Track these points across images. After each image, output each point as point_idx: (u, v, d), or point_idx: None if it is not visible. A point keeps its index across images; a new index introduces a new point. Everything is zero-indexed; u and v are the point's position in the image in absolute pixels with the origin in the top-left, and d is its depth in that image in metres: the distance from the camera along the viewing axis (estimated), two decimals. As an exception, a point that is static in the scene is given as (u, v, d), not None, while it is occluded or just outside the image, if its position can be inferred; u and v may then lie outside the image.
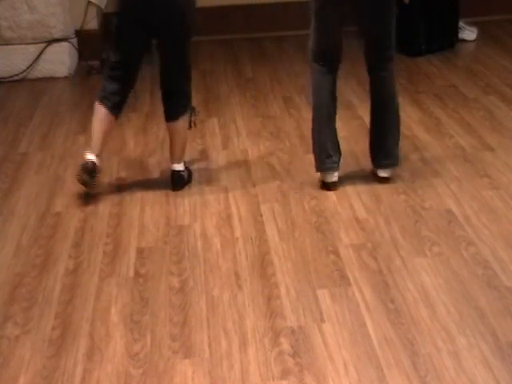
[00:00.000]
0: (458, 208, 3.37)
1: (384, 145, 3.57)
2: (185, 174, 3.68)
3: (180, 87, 3.58)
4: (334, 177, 3.56)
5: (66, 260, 3.14)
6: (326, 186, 3.57)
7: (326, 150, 3.52)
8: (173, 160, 3.66)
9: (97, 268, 3.07)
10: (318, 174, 3.62)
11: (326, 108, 3.52)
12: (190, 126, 3.68)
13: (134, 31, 3.43)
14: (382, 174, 3.60)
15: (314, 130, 3.57)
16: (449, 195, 3.49)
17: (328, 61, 3.47)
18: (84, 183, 3.55)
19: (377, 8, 3.35)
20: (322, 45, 3.46)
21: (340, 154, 3.58)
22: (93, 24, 5.47)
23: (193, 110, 3.70)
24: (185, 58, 3.54)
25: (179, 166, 3.66)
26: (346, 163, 3.79)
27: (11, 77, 5.19)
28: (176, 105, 3.59)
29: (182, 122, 3.60)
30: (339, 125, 4.26)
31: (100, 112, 3.55)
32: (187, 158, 3.79)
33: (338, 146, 3.58)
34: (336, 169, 3.55)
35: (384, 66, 3.46)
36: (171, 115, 3.59)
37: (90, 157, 3.53)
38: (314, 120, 3.56)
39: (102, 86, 3.59)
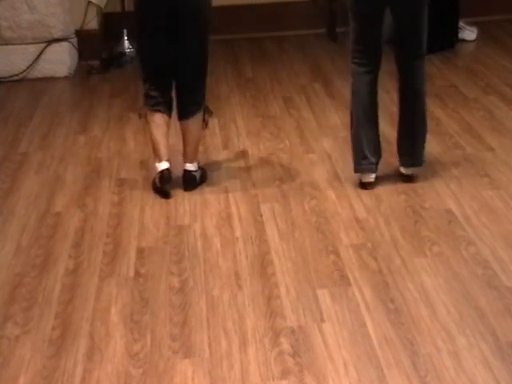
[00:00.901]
0: (458, 208, 3.37)
1: (411, 144, 3.56)
2: (197, 175, 3.65)
3: (195, 83, 3.54)
4: (370, 178, 3.56)
5: (66, 260, 3.14)
6: (363, 185, 3.57)
7: (361, 151, 3.52)
8: (185, 159, 3.62)
9: (97, 268, 3.07)
10: (320, 174, 3.62)
11: (364, 110, 3.51)
12: (205, 126, 3.67)
13: (157, 31, 3.40)
14: (404, 171, 3.60)
15: (351, 131, 3.57)
16: (449, 195, 3.49)
17: (367, 60, 3.45)
18: (163, 192, 3.54)
19: (413, 4, 3.35)
20: (361, 43, 3.45)
21: (379, 156, 3.57)
22: (93, 24, 5.47)
23: (207, 109, 3.66)
24: (202, 52, 3.52)
25: (191, 166, 3.63)
26: (346, 163, 3.79)
27: (11, 77, 5.19)
28: (191, 102, 3.55)
29: (195, 121, 3.57)
30: (339, 125, 4.29)
31: (155, 119, 3.52)
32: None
33: (378, 147, 3.56)
34: (372, 170, 3.54)
35: (416, 63, 3.45)
36: (185, 113, 3.56)
37: (164, 165, 3.50)
38: (351, 121, 3.56)
39: (145, 95, 3.56)
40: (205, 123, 3.66)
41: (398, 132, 3.61)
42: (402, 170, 3.61)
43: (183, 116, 3.57)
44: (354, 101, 3.53)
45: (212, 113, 3.74)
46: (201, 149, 4.05)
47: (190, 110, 3.55)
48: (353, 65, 3.51)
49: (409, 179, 3.59)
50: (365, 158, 3.52)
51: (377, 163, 3.55)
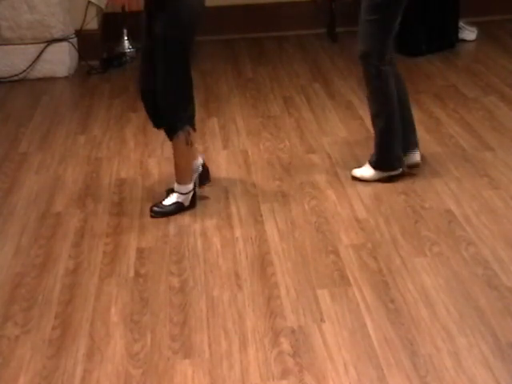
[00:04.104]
0: (458, 208, 3.38)
1: (413, 130, 3.66)
2: None
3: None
4: (399, 170, 3.61)
5: (66, 260, 3.14)
6: (391, 178, 3.61)
7: (401, 150, 3.58)
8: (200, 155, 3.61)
9: (97, 268, 3.07)
10: (320, 174, 3.62)
11: (401, 109, 3.54)
12: None
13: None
14: (418, 158, 3.66)
15: (393, 134, 3.54)
16: (449, 195, 3.49)
17: (390, 59, 3.46)
18: (195, 202, 3.47)
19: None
20: (389, 45, 3.44)
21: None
22: (93, 24, 5.47)
23: None
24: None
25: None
26: (346, 163, 3.79)
27: (11, 77, 5.19)
28: None
29: None
30: (339, 125, 4.29)
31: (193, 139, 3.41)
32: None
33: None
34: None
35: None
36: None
37: (193, 184, 3.45)
38: (393, 125, 3.52)
39: (186, 118, 3.35)
40: None
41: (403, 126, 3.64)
42: (415, 157, 3.66)
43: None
44: (394, 101, 3.50)
45: None
46: (200, 149, 4.06)
47: None
48: (384, 67, 3.43)
49: (418, 166, 3.67)
50: (402, 155, 3.61)
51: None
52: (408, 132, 3.63)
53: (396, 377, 2.43)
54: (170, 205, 3.43)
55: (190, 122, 3.38)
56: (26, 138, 4.34)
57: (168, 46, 3.14)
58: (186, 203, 3.43)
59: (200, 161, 3.54)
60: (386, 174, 3.59)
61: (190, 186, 3.42)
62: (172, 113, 3.28)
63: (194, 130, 3.43)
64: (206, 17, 3.24)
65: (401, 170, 3.60)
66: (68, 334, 2.70)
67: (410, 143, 3.65)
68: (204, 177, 3.57)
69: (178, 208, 3.43)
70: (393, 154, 3.58)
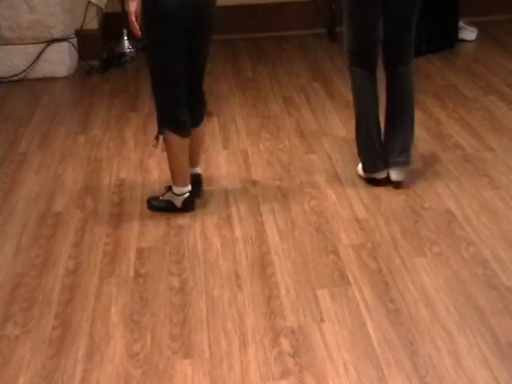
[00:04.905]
0: (458, 208, 3.38)
1: (400, 143, 3.52)
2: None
3: (203, 87, 3.42)
4: (384, 174, 3.54)
5: (66, 260, 3.14)
6: (376, 182, 3.55)
7: (375, 151, 3.51)
8: (197, 163, 3.55)
9: (97, 268, 3.07)
10: (320, 174, 3.62)
11: (372, 112, 3.50)
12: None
13: (181, 41, 3.16)
14: (395, 177, 3.53)
15: (360, 134, 3.54)
16: (449, 195, 3.49)
17: (367, 60, 3.44)
18: (192, 207, 3.45)
19: (404, 5, 3.35)
20: (358, 44, 3.43)
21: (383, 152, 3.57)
22: (93, 24, 5.47)
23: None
24: (208, 56, 3.41)
25: (200, 169, 3.59)
26: (346, 163, 3.79)
27: (11, 77, 5.19)
28: (202, 106, 3.45)
29: (205, 122, 3.50)
30: (339, 125, 4.29)
31: (183, 144, 3.33)
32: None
33: (382, 144, 3.56)
34: (385, 167, 3.54)
35: (404, 66, 3.45)
36: (200, 118, 3.43)
37: (189, 188, 3.41)
38: (359, 125, 3.53)
39: (171, 121, 3.27)
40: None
41: (385, 137, 3.56)
42: (392, 174, 3.54)
43: (199, 122, 3.42)
44: (360, 102, 3.51)
45: (211, 112, 3.66)
46: (201, 149, 4.06)
47: (203, 113, 3.46)
48: (354, 67, 3.48)
49: (398, 186, 3.55)
50: (379, 157, 3.51)
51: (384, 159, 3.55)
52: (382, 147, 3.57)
53: (396, 377, 2.43)
54: (162, 200, 3.48)
55: (175, 126, 3.27)
56: (25, 137, 4.34)
57: (147, 47, 3.24)
58: (178, 204, 3.43)
59: (194, 170, 3.51)
60: (366, 175, 3.59)
61: (183, 189, 3.41)
62: (157, 113, 3.32)
63: (184, 135, 3.30)
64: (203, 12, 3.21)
65: (375, 174, 3.54)
66: (68, 334, 2.70)
67: (384, 159, 3.56)
68: (193, 187, 3.48)
69: (170, 207, 3.44)
70: (362, 155, 3.57)
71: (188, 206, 3.44)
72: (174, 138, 3.29)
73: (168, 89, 3.24)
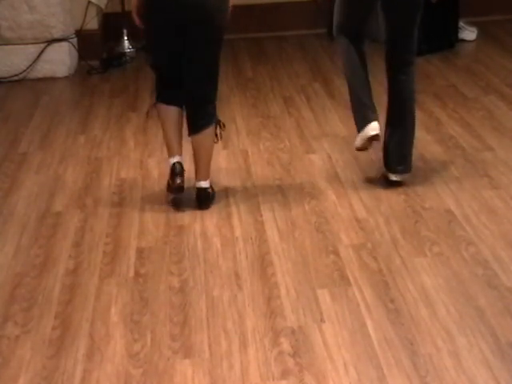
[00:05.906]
0: (458, 208, 3.37)
1: (399, 150, 3.52)
2: (211, 191, 3.49)
3: (207, 95, 3.37)
4: (377, 129, 3.44)
5: (66, 260, 3.14)
6: (372, 138, 3.45)
7: (365, 106, 3.49)
8: (199, 177, 3.44)
9: (97, 268, 3.07)
10: (320, 174, 3.61)
11: (360, 76, 3.51)
12: (217, 140, 3.47)
13: (166, 33, 3.27)
14: (394, 178, 3.54)
15: (353, 97, 3.56)
16: (449, 195, 3.49)
17: (353, 34, 3.47)
18: (178, 189, 3.41)
19: (406, 5, 3.36)
20: (348, 20, 3.46)
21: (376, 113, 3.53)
22: (93, 24, 5.47)
23: (218, 122, 3.48)
24: (214, 61, 3.41)
25: (205, 183, 3.45)
26: (346, 163, 3.79)
27: (11, 77, 5.19)
28: (203, 115, 3.37)
29: (208, 134, 3.39)
30: (339, 125, 4.29)
31: (171, 113, 3.39)
32: (186, 158, 3.62)
33: (375, 107, 3.53)
34: (377, 119, 3.46)
35: (405, 69, 3.46)
36: (197, 127, 3.36)
37: (175, 158, 3.40)
38: (351, 89, 3.56)
39: (157, 89, 3.45)
40: (219, 135, 3.48)
41: (385, 140, 3.54)
42: (390, 176, 3.54)
43: (196, 130, 3.37)
44: (350, 70, 3.55)
45: (224, 126, 3.54)
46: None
47: (202, 123, 3.37)
48: (339, 36, 3.51)
49: (397, 184, 3.55)
50: (371, 110, 3.46)
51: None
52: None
53: (396, 377, 2.43)
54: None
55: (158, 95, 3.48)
56: (25, 137, 4.34)
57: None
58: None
59: (196, 184, 3.47)
60: (361, 136, 3.48)
61: (169, 160, 3.44)
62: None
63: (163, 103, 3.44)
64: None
65: (368, 129, 3.44)
66: (68, 334, 2.70)
67: (384, 159, 3.57)
68: (196, 201, 3.49)
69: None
70: (355, 116, 3.55)
71: (172, 180, 3.42)
72: (158, 106, 3.44)
73: (154, 68, 3.48)
